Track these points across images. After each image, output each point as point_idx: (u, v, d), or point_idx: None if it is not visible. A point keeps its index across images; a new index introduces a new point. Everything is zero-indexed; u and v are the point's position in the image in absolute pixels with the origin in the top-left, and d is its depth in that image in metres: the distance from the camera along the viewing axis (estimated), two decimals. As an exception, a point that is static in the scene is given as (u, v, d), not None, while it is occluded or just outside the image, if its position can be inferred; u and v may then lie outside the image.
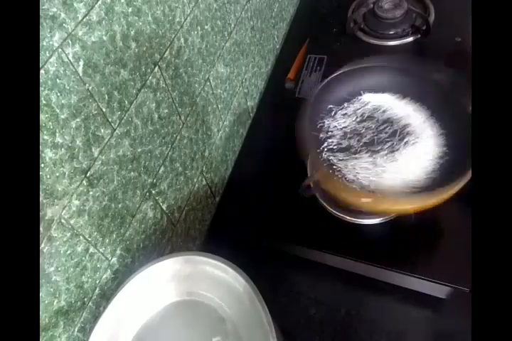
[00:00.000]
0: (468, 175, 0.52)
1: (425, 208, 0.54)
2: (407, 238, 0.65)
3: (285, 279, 0.70)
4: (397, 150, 0.62)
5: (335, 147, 0.64)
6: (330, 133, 0.65)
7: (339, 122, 0.66)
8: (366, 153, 0.62)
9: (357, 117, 0.66)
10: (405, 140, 0.63)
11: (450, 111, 0.61)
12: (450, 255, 0.61)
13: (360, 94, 0.67)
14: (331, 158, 0.63)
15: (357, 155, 0.62)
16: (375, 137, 0.64)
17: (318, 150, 0.63)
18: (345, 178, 0.60)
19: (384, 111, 0.66)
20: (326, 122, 0.66)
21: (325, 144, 0.64)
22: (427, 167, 0.60)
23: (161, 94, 0.55)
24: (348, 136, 0.64)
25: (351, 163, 0.62)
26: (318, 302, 0.67)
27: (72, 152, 0.42)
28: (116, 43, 0.45)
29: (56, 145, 0.40)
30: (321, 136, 0.65)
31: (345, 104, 0.67)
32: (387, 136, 0.63)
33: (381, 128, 0.65)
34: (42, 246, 0.40)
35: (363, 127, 0.65)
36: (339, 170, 0.61)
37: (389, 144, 0.63)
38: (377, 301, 0.66)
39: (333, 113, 0.67)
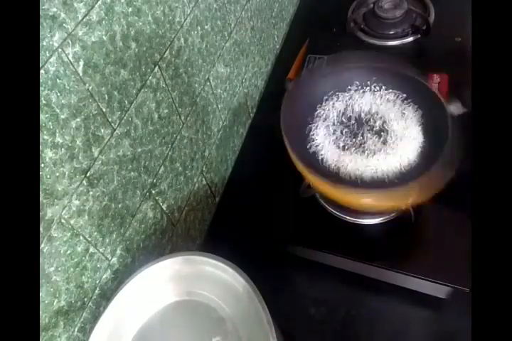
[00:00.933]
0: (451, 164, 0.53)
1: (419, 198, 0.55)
2: (407, 238, 0.65)
3: (285, 279, 0.70)
4: (383, 143, 0.62)
5: (320, 141, 0.64)
6: (315, 128, 0.65)
7: (324, 117, 0.66)
8: (352, 147, 0.62)
9: (341, 112, 0.66)
10: (389, 134, 0.62)
11: (433, 106, 0.61)
12: (450, 255, 0.61)
13: (344, 90, 0.67)
14: (318, 152, 0.63)
15: (343, 149, 0.62)
16: (360, 131, 0.63)
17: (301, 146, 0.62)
18: (331, 171, 0.61)
19: (368, 106, 0.66)
20: (311, 117, 0.66)
21: (310, 137, 0.64)
22: (410, 160, 0.60)
23: (161, 94, 0.55)
24: (333, 130, 0.64)
25: (337, 157, 0.62)
26: (318, 302, 0.67)
27: (72, 152, 0.42)
28: (116, 43, 0.45)
29: (56, 145, 0.40)
30: (306, 130, 0.64)
31: (330, 99, 0.67)
32: (372, 130, 0.63)
33: (365, 122, 0.64)
34: (42, 246, 0.40)
35: (348, 122, 0.64)
36: (325, 164, 0.61)
37: (374, 138, 0.62)
38: (377, 301, 0.66)
39: (317, 107, 0.66)
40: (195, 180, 0.69)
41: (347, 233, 0.66)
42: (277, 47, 0.98)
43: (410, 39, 0.86)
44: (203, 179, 0.72)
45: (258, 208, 0.72)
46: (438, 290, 0.63)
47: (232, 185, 0.80)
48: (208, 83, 0.67)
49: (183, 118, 0.61)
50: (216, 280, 0.49)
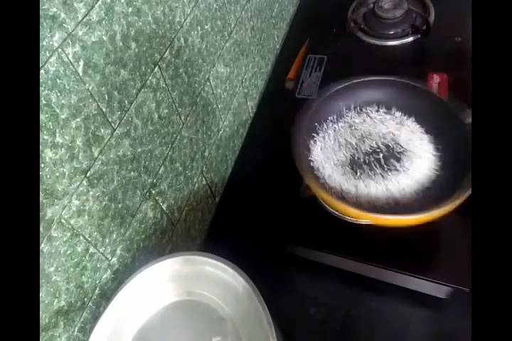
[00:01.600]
0: (465, 191, 0.53)
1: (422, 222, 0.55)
2: (407, 238, 0.65)
3: (285, 279, 0.70)
4: (390, 166, 0.63)
5: (328, 161, 0.65)
6: (323, 147, 0.66)
7: (333, 136, 0.67)
8: (359, 169, 0.63)
9: (351, 132, 0.67)
10: (400, 156, 0.64)
11: (447, 127, 0.62)
12: (450, 255, 0.61)
13: (356, 110, 0.69)
14: (323, 171, 0.64)
15: (349, 171, 0.63)
16: (369, 152, 0.65)
17: (309, 163, 0.64)
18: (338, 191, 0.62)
19: (379, 127, 0.67)
20: (320, 136, 0.67)
21: (317, 157, 0.65)
22: (421, 184, 0.61)
23: (161, 94, 0.55)
24: (342, 150, 0.66)
25: (341, 178, 0.63)
26: (318, 302, 0.67)
27: (72, 152, 0.42)
28: (116, 43, 0.45)
29: (56, 145, 0.40)
30: (314, 149, 0.66)
31: (341, 119, 0.68)
32: (381, 151, 0.64)
33: (375, 143, 0.66)
34: (42, 246, 0.40)
35: (358, 142, 0.66)
36: (329, 184, 0.63)
37: (382, 160, 0.64)
38: (377, 301, 0.66)
39: (327, 127, 0.68)
40: (195, 180, 0.69)
41: (347, 233, 0.66)
42: (277, 47, 0.98)
43: (410, 39, 0.86)
44: (203, 179, 0.72)
45: (258, 208, 0.72)
46: (438, 290, 0.63)
47: (232, 185, 0.80)
48: (208, 83, 0.67)
49: (183, 118, 0.61)
50: (216, 280, 0.49)
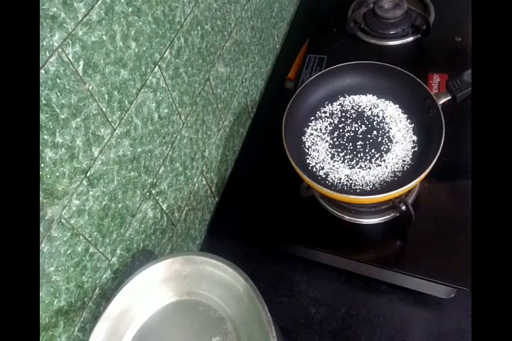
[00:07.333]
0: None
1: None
2: (407, 238, 0.65)
3: (285, 279, 0.70)
4: (376, 150, 0.64)
5: (314, 145, 0.66)
6: (309, 133, 0.67)
7: (319, 122, 0.68)
8: (345, 153, 0.64)
9: (336, 117, 0.68)
10: (383, 141, 0.64)
11: (425, 112, 0.63)
12: (450, 255, 0.61)
13: (340, 96, 0.70)
14: (311, 154, 0.65)
15: (335, 155, 0.64)
16: (354, 137, 0.66)
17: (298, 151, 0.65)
18: (326, 177, 0.63)
19: (363, 112, 0.68)
20: (307, 122, 0.68)
21: (305, 142, 0.67)
22: (400, 167, 0.62)
23: (161, 94, 0.55)
24: (328, 135, 0.67)
25: (329, 161, 0.64)
26: (318, 302, 0.67)
27: (72, 152, 0.42)
28: (116, 43, 0.45)
29: (56, 145, 0.40)
30: (302, 136, 0.67)
31: (326, 105, 0.69)
32: (366, 136, 0.65)
33: (359, 128, 0.66)
34: (42, 246, 0.40)
35: (342, 127, 0.67)
36: (316, 167, 0.64)
37: (368, 145, 0.65)
38: (377, 301, 0.66)
39: (313, 113, 0.69)
40: (195, 180, 0.69)
41: (347, 233, 0.66)
42: (277, 47, 0.98)
43: (410, 39, 0.86)
44: (203, 179, 0.72)
45: (258, 208, 0.72)
46: (438, 290, 0.63)
47: (232, 185, 0.80)
48: (208, 83, 0.67)
49: (183, 118, 0.61)
50: (216, 280, 0.49)
